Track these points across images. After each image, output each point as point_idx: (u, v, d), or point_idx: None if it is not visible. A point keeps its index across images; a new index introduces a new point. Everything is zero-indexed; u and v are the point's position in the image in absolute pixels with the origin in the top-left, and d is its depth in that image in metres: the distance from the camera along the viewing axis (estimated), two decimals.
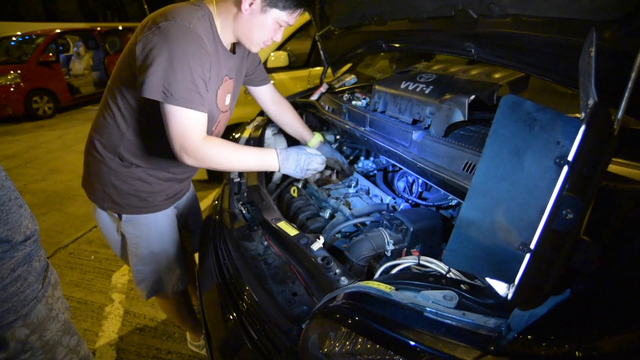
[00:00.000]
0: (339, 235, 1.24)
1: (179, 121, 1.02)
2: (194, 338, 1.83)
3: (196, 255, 1.67)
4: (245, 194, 1.42)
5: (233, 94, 1.32)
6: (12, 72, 6.41)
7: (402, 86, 1.36)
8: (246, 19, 1.10)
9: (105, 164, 1.24)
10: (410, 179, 1.48)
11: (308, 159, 1.22)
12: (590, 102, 0.51)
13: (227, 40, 1.18)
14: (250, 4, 1.07)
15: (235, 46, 1.25)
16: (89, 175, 1.32)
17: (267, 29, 1.11)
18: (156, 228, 1.37)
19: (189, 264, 1.74)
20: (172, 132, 1.04)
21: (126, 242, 1.39)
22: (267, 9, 1.08)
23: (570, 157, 0.50)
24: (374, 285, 0.73)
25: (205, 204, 2.98)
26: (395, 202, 1.35)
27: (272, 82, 1.55)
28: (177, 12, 1.04)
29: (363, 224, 1.25)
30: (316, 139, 1.57)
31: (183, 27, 1.01)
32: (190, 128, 1.04)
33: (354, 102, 1.61)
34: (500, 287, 0.64)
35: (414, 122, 1.27)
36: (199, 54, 1.02)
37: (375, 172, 1.61)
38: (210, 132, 1.27)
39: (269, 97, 1.55)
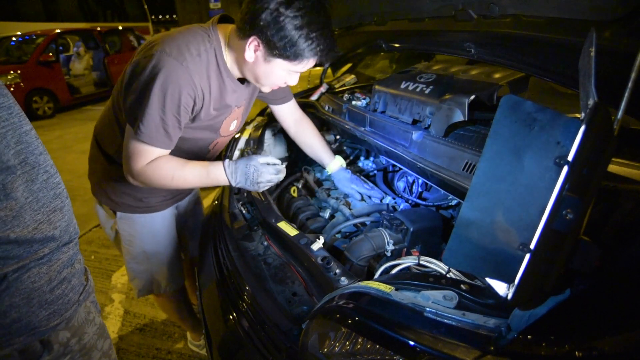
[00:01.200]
0: (339, 235, 1.24)
1: (131, 147, 1.03)
2: (194, 337, 1.83)
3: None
4: (245, 194, 1.42)
5: (241, 119, 1.29)
6: (12, 72, 6.41)
7: (402, 86, 1.36)
8: (251, 66, 1.02)
9: (104, 161, 1.25)
10: (410, 179, 1.48)
11: (257, 172, 1.10)
12: (590, 102, 0.51)
13: (237, 72, 1.11)
14: (255, 51, 0.98)
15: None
16: (91, 169, 1.33)
17: (275, 77, 1.03)
18: (150, 228, 1.37)
19: (186, 266, 1.74)
20: (124, 153, 1.06)
21: (120, 239, 1.40)
22: (271, 59, 0.97)
23: (570, 157, 0.50)
24: (374, 285, 0.73)
25: (205, 204, 2.97)
26: (395, 202, 1.35)
27: (294, 99, 1.47)
28: (178, 42, 0.99)
29: (363, 224, 1.25)
30: (335, 163, 1.47)
31: (173, 65, 0.96)
32: (138, 156, 1.04)
33: (354, 102, 1.61)
34: (500, 287, 0.64)
35: (414, 122, 1.27)
36: (179, 93, 0.98)
37: (375, 172, 1.61)
38: (206, 151, 1.27)
39: (289, 116, 1.47)
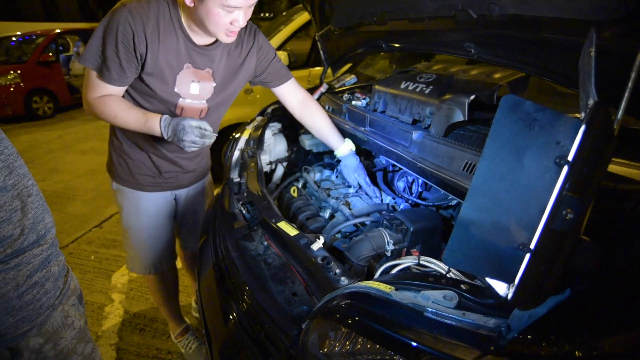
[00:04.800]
0: (339, 235, 1.24)
1: (86, 78, 1.19)
2: (174, 330, 1.84)
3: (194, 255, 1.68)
4: (245, 194, 1.42)
5: (211, 85, 1.29)
6: (12, 72, 6.41)
7: (402, 86, 1.36)
8: (194, 13, 1.10)
9: (110, 129, 1.38)
10: (410, 179, 1.48)
11: (183, 130, 1.14)
12: (590, 102, 0.51)
13: (197, 32, 1.18)
14: None
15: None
16: (109, 142, 1.45)
17: (214, 16, 1.06)
18: (135, 205, 1.44)
19: (180, 257, 1.79)
20: (83, 85, 1.21)
21: None
22: None
23: (570, 157, 0.50)
24: (374, 285, 0.73)
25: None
26: (395, 202, 1.35)
27: (293, 78, 1.47)
28: None
29: (363, 224, 1.25)
30: (345, 147, 1.46)
31: (118, 6, 1.10)
32: (90, 87, 1.18)
33: (354, 102, 1.61)
34: (500, 287, 0.64)
35: (414, 122, 1.27)
36: (116, 26, 1.07)
37: (375, 172, 1.61)
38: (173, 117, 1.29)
39: (292, 97, 1.47)
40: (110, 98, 1.18)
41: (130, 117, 1.18)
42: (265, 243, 1.20)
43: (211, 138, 1.18)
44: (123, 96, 1.23)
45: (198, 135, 1.15)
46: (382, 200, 1.42)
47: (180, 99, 1.25)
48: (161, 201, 1.48)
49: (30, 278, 0.70)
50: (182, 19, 1.16)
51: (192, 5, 1.07)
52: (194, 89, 1.26)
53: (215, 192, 1.69)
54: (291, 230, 1.09)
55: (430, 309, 0.65)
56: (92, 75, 1.16)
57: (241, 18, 1.09)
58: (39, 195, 0.76)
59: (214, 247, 1.25)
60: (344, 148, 1.46)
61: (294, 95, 1.48)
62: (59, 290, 0.77)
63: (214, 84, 1.29)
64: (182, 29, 1.17)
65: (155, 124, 1.17)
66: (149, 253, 1.54)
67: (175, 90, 1.23)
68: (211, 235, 1.33)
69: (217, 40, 1.23)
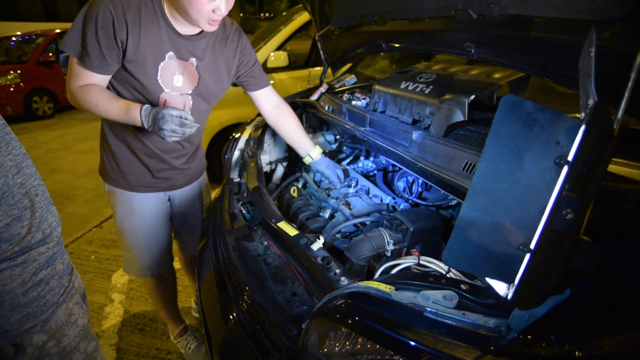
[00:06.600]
0: (339, 235, 1.24)
1: (69, 68, 1.19)
2: (172, 330, 1.84)
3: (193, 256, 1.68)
4: (245, 194, 1.42)
5: (195, 78, 1.28)
6: (12, 72, 6.42)
7: (402, 86, 1.36)
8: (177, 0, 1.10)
9: (102, 128, 1.37)
10: (410, 179, 1.48)
11: (163, 119, 1.11)
12: (590, 102, 0.51)
13: (180, 21, 1.18)
14: None
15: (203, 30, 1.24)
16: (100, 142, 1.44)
17: (197, 3, 1.07)
18: (128, 207, 1.44)
19: (180, 258, 1.79)
20: (67, 75, 1.21)
21: None
22: None
23: (570, 157, 0.50)
24: (374, 285, 0.73)
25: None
26: (395, 202, 1.35)
27: (270, 84, 1.50)
28: None
29: (363, 224, 1.25)
30: (316, 151, 1.53)
31: None
32: (73, 76, 1.18)
33: (354, 102, 1.61)
34: (500, 287, 0.64)
35: (414, 122, 1.27)
36: (96, 13, 1.08)
37: (375, 172, 1.61)
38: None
39: (268, 101, 1.50)
40: (92, 87, 1.17)
41: (112, 106, 1.17)
42: (265, 243, 1.20)
43: (192, 127, 1.15)
44: (107, 89, 1.23)
45: (178, 124, 1.12)
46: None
47: (163, 92, 1.24)
48: (154, 202, 1.46)
49: (36, 275, 0.71)
50: (165, 7, 1.16)
51: None
52: (177, 81, 1.25)
53: (213, 194, 1.69)
54: (291, 230, 1.09)
55: (430, 309, 0.65)
56: (73, 62, 1.16)
57: (223, 6, 1.11)
58: (45, 195, 0.76)
59: (214, 247, 1.25)
60: (316, 151, 1.53)
61: (269, 100, 1.51)
62: (64, 288, 0.78)
63: (198, 76, 1.28)
64: (164, 17, 1.17)
65: (136, 113, 1.15)
66: (145, 256, 1.53)
67: (158, 80, 1.21)
68: (211, 236, 1.33)
69: (201, 32, 1.23)
